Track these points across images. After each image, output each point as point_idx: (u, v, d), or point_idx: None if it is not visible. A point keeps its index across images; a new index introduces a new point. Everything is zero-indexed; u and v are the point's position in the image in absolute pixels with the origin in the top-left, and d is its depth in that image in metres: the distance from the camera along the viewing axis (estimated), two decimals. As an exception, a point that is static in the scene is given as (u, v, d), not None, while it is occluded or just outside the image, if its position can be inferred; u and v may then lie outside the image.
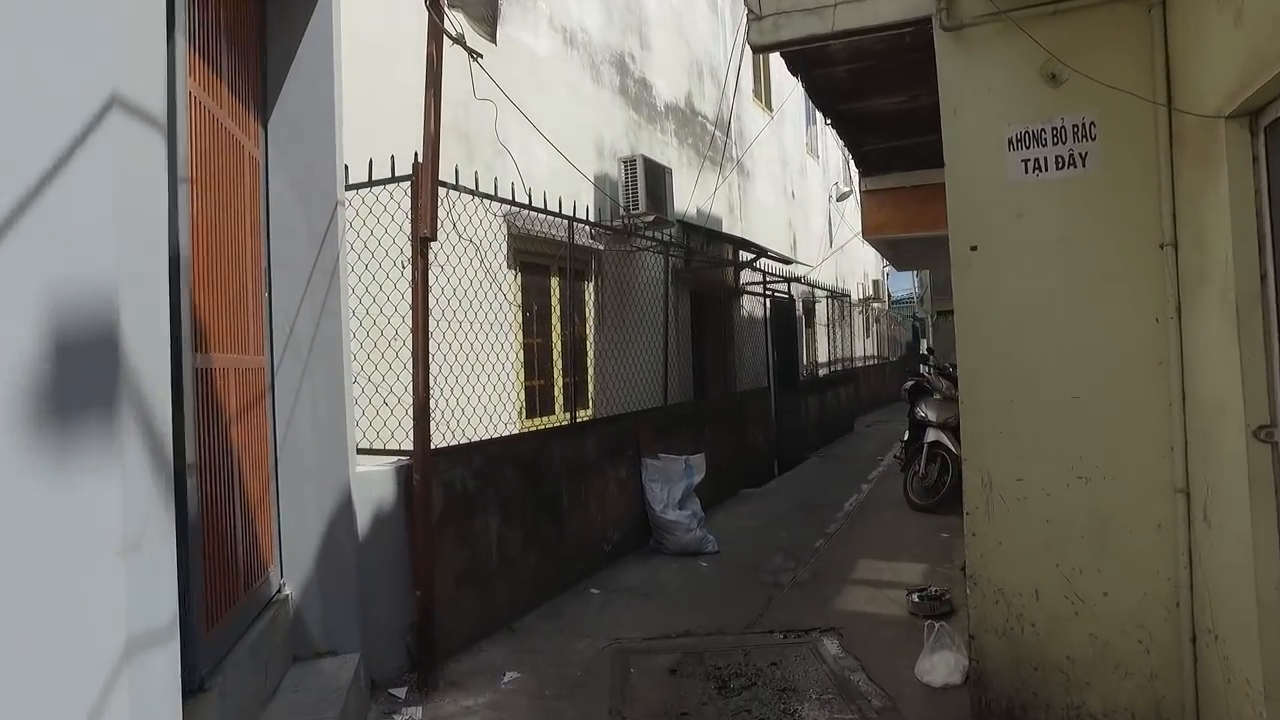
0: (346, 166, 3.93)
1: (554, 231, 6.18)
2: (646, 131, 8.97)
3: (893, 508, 8.04)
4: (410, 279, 4.03)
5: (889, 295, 27.30)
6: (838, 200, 19.50)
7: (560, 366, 6.80)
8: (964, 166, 3.50)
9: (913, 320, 30.86)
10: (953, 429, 7.92)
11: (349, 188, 4.10)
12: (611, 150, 8.11)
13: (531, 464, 5.21)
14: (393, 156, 4.33)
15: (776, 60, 8.71)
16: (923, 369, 12.54)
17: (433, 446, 4.10)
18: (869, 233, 8.01)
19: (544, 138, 5.90)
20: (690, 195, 9.25)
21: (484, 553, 4.67)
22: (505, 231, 6.07)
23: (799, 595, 5.34)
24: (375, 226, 4.47)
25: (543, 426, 6.08)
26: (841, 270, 19.58)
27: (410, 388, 4.06)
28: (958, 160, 3.52)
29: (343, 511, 3.62)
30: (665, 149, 9.34)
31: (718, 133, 11.61)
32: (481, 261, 5.49)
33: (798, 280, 11.96)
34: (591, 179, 7.32)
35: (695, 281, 9.95)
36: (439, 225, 4.11)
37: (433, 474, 4.08)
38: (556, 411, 6.73)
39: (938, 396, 8.12)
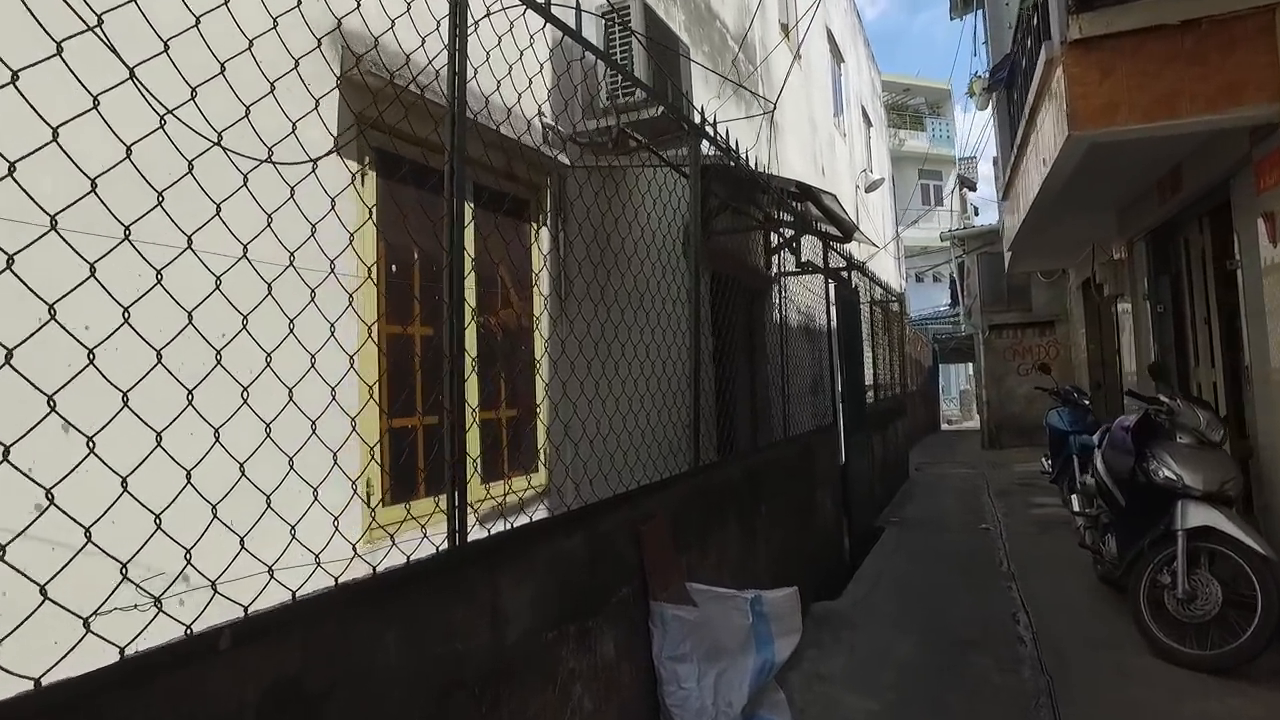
0: None
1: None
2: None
3: (1118, 647, 4.29)
4: None
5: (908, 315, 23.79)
6: (866, 191, 15.99)
7: (452, 390, 3.05)
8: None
9: (933, 344, 27.35)
10: (1228, 501, 4.23)
11: None
12: (584, -7, 4.41)
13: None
14: None
15: None
16: (1075, 398, 8.90)
17: None
18: (1083, 123, 4.32)
19: None
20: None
21: None
22: (334, 59, 2.34)
23: None
24: None
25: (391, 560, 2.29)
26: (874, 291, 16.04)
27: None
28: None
29: None
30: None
31: (742, 56, 7.99)
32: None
33: (859, 268, 8.29)
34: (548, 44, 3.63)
35: (720, 258, 6.27)
36: None
37: None
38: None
39: (1187, 442, 4.43)
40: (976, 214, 29.04)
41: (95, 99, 1.35)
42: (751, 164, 4.91)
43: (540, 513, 2.83)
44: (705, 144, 4.27)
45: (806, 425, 6.21)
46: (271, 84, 1.76)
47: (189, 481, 1.46)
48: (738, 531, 3.85)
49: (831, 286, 6.68)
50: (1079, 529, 5.64)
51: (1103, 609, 4.98)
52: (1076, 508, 5.72)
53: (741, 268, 7.08)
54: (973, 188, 35.89)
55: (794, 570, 4.79)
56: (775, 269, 8.03)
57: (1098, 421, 8.91)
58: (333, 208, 1.94)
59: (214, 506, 1.49)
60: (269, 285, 1.69)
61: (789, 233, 7.41)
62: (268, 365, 1.65)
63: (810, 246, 7.07)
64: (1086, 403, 8.63)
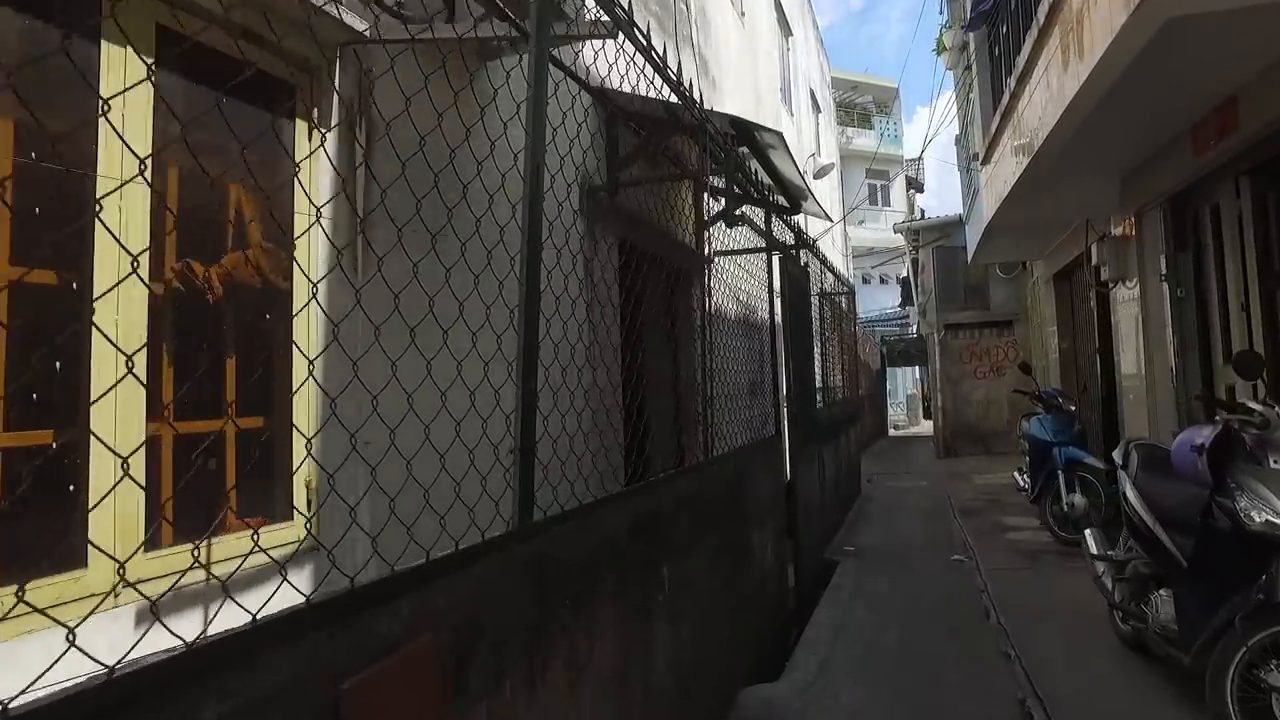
0: None
1: None
2: None
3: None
4: None
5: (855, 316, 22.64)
6: (815, 177, 14.68)
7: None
8: None
9: (880, 347, 26.35)
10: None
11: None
12: None
13: None
14: None
15: None
16: (1060, 403, 7.58)
17: None
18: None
19: None
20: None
21: None
22: None
23: None
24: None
25: None
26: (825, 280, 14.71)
27: None
28: None
29: None
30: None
31: (669, -18, 6.52)
32: None
33: (809, 247, 6.86)
34: None
35: (634, 224, 4.82)
36: None
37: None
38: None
39: (1283, 467, 3.05)
40: (923, 217, 28.20)
41: None
42: (678, 97, 3.39)
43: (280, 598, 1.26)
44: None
45: (743, 439, 4.71)
46: None
47: None
48: (615, 623, 2.32)
49: (776, 261, 5.20)
50: (1099, 577, 4.25)
51: (1153, 699, 3.58)
52: (1095, 549, 4.33)
53: (665, 240, 5.59)
54: (920, 189, 35.26)
55: (716, 655, 3.28)
56: (709, 248, 6.56)
57: (1084, 431, 7.65)
58: None
59: None
60: None
61: (727, 198, 5.95)
62: None
63: (753, 217, 5.61)
64: (1072, 409, 7.34)
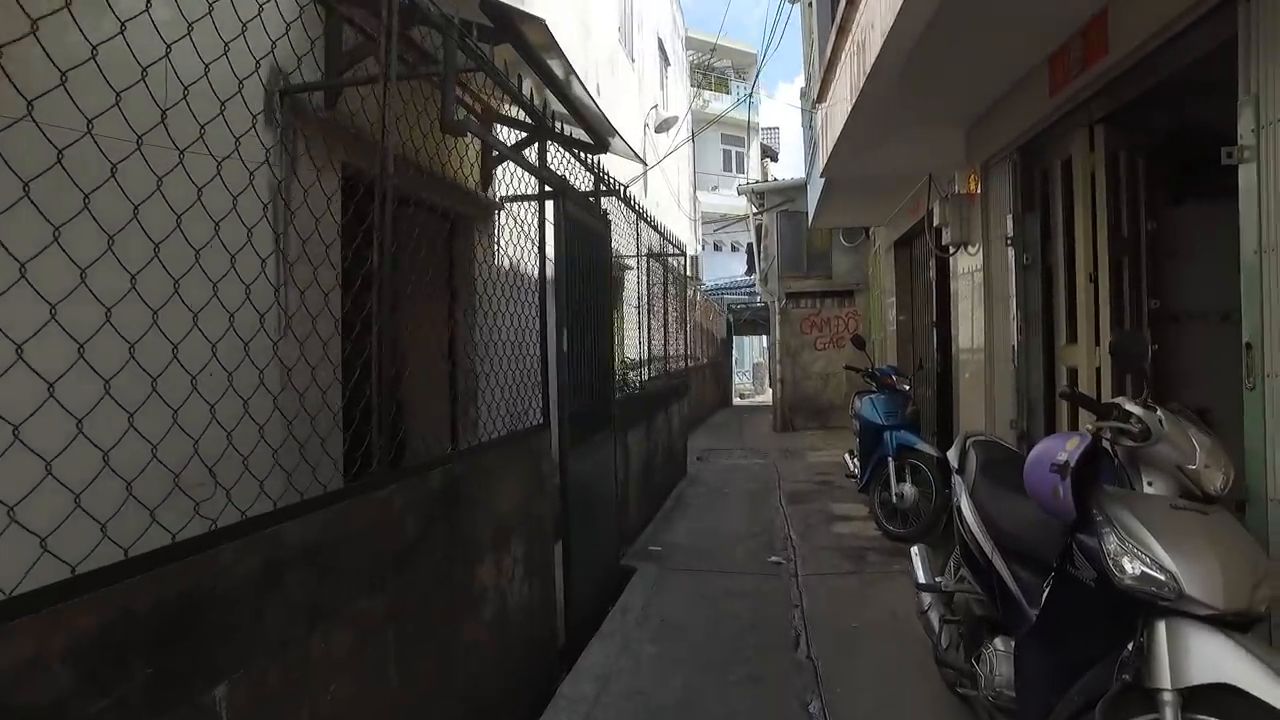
0: None
1: None
2: None
3: None
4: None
5: (701, 283, 21.96)
6: (656, 130, 13.64)
7: None
8: None
9: (728, 315, 25.99)
10: (1255, 621, 2.01)
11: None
12: None
13: None
14: None
15: None
16: (894, 381, 6.84)
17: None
18: None
19: None
20: None
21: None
22: None
23: None
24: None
25: None
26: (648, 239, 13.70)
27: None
28: None
29: None
30: None
31: None
32: None
33: (616, 194, 5.76)
34: None
35: (366, 148, 3.56)
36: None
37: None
38: None
39: (1170, 498, 2.20)
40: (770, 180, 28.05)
41: None
42: None
43: None
44: None
45: (487, 435, 3.55)
46: None
47: None
48: None
49: (550, 205, 4.02)
50: (925, 612, 3.39)
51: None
52: (920, 575, 3.48)
53: (429, 178, 4.29)
54: (774, 158, 35.19)
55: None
56: (496, 191, 5.33)
57: (919, 412, 7.02)
58: None
59: None
60: None
61: (524, 129, 4.77)
62: None
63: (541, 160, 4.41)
64: (906, 388, 6.66)
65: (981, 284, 5.17)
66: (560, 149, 4.81)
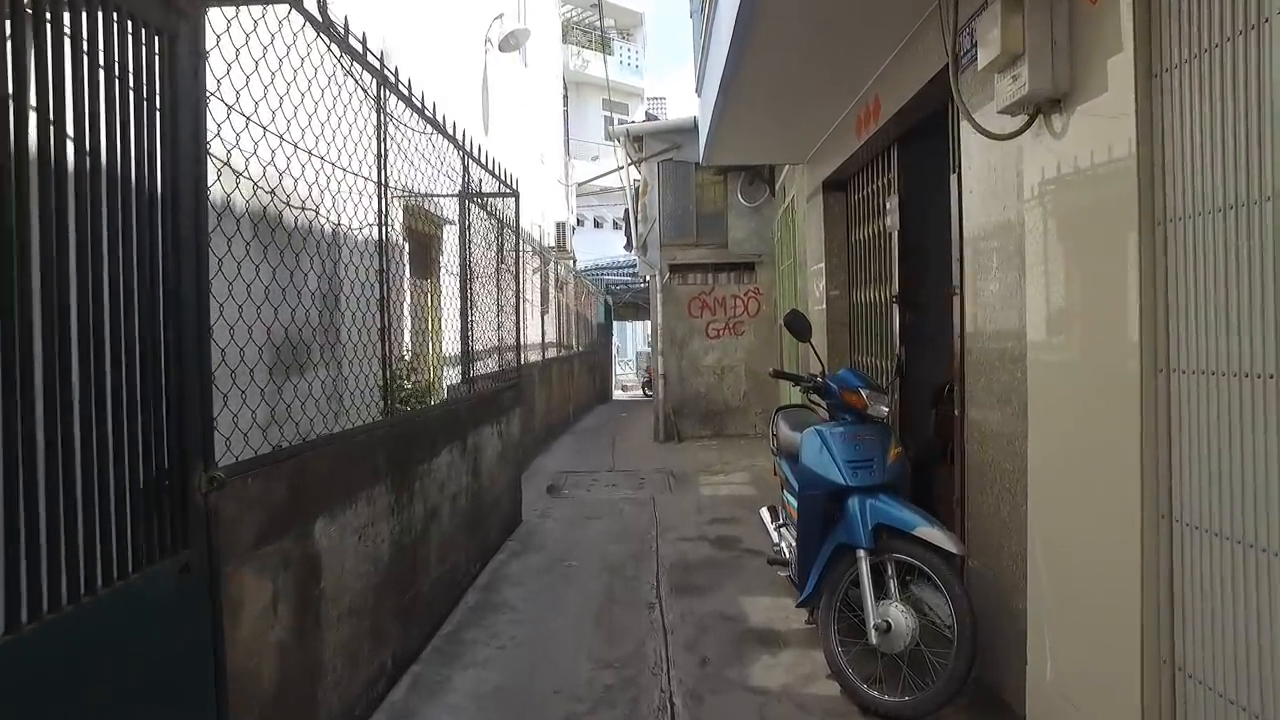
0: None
1: None
2: None
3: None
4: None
5: (574, 260, 18.70)
6: (500, 48, 10.27)
7: None
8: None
9: (604, 295, 22.90)
10: None
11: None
12: None
13: None
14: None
15: None
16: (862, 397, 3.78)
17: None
18: None
19: None
20: None
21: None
22: None
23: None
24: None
25: None
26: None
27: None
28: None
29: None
30: None
31: None
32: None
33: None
34: None
35: None
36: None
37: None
38: None
39: None
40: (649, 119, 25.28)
41: None
42: None
43: None
44: None
45: None
46: None
47: None
48: None
49: None
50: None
51: None
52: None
53: None
54: (661, 129, 32.24)
55: None
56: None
57: (908, 455, 4.04)
58: None
59: None
60: None
61: None
62: None
63: None
64: (885, 410, 3.64)
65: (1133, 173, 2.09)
66: None
